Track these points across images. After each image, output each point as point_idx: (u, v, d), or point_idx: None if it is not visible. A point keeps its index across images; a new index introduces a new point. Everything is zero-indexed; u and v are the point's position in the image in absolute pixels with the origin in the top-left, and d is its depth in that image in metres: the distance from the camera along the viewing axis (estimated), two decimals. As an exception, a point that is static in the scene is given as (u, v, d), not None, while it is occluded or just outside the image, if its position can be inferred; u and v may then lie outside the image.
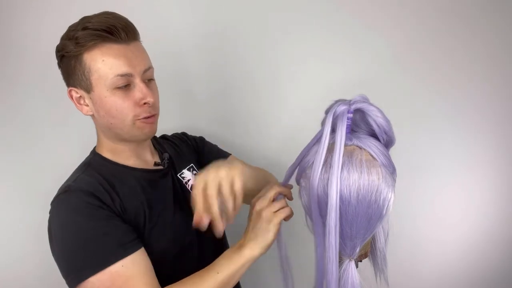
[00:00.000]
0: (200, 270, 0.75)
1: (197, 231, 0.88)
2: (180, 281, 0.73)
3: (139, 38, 0.81)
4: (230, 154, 1.07)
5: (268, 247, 0.73)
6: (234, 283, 0.74)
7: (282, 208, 0.74)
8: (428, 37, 1.21)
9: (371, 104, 0.67)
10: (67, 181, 0.80)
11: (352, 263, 0.68)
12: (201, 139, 1.08)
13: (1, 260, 1.27)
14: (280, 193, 0.76)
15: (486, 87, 1.23)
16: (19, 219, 1.26)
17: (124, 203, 0.77)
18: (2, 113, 1.20)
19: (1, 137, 1.22)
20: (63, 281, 0.73)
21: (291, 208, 0.75)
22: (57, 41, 0.78)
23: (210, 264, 0.75)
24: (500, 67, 1.22)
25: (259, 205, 0.73)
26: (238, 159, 1.07)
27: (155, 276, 0.74)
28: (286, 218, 0.75)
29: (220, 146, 1.11)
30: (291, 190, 0.80)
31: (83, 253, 0.70)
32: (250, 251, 0.72)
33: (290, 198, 0.79)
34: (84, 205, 0.72)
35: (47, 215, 0.76)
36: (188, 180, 0.94)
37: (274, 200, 0.75)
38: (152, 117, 0.80)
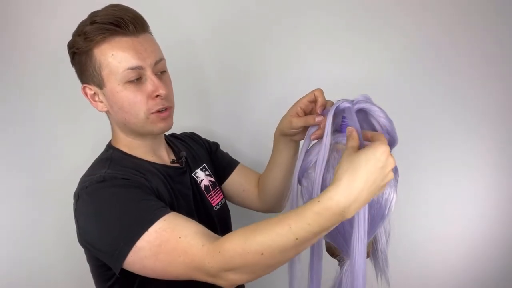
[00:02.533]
0: (274, 223, 0.60)
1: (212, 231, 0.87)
2: (250, 230, 0.61)
3: (149, 29, 0.79)
4: (239, 163, 1.06)
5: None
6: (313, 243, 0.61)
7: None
8: (429, 38, 1.21)
9: (374, 104, 0.67)
10: (90, 175, 0.76)
11: (354, 263, 0.68)
12: (215, 143, 1.08)
13: (23, 256, 1.27)
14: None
15: (486, 88, 1.24)
16: (22, 218, 1.26)
17: (158, 190, 0.76)
18: (11, 113, 1.19)
19: (11, 136, 1.21)
20: (86, 275, 0.70)
21: None
22: (66, 40, 0.77)
23: (286, 217, 0.59)
24: (499, 68, 1.23)
25: (393, 162, 0.58)
26: (247, 167, 1.07)
27: (199, 223, 0.69)
28: None
29: (226, 146, 1.11)
30: None
31: (128, 219, 0.67)
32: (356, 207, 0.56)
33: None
34: (121, 183, 0.71)
35: (62, 211, 0.73)
36: (202, 180, 0.93)
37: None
38: (166, 111, 0.79)
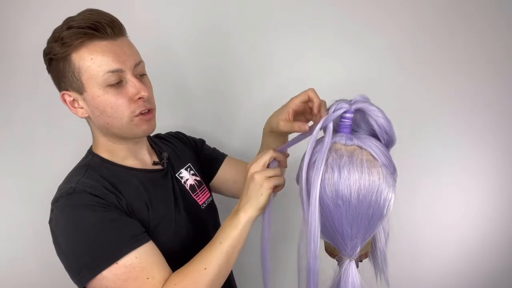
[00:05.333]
0: (205, 246, 0.75)
1: (197, 231, 0.88)
2: (189, 261, 0.74)
3: (126, 33, 0.79)
4: (227, 155, 1.07)
5: (262, 209, 0.73)
6: (239, 249, 0.74)
7: (276, 176, 0.73)
8: (429, 37, 1.21)
9: (372, 104, 0.67)
10: (67, 182, 0.77)
11: (353, 263, 0.68)
12: (201, 140, 1.08)
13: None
14: (275, 159, 0.76)
15: (486, 88, 1.24)
16: (16, 219, 1.26)
17: (130, 203, 0.77)
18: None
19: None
20: (62, 279, 0.71)
21: (284, 179, 0.76)
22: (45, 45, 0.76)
23: (212, 238, 0.75)
24: (500, 68, 1.23)
25: (253, 169, 0.73)
26: (235, 159, 1.07)
27: (168, 265, 0.74)
28: (277, 188, 0.75)
29: (214, 145, 1.11)
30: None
31: (96, 246, 0.68)
32: (244, 213, 0.72)
33: (284, 165, 0.78)
34: (92, 203, 0.71)
35: (44, 215, 0.75)
36: (187, 180, 0.93)
37: (269, 166, 0.75)
38: (149, 114, 0.79)
